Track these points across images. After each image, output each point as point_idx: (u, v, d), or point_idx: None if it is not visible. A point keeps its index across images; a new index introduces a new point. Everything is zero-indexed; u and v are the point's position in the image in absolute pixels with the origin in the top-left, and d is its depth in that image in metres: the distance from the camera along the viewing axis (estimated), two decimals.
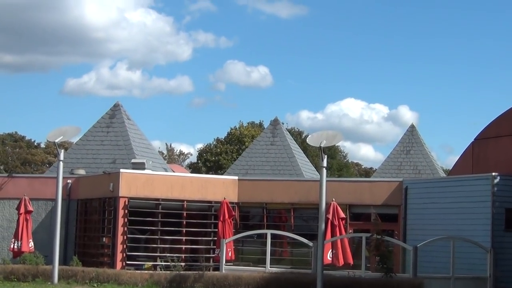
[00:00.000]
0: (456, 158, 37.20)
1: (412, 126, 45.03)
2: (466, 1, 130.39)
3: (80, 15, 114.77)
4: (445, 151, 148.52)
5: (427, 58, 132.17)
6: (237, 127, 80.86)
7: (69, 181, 31.99)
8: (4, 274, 26.45)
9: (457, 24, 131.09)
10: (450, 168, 41.78)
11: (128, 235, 29.50)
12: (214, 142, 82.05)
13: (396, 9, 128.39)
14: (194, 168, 79.16)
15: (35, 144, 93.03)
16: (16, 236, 29.09)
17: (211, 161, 77.61)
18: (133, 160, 33.31)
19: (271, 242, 27.47)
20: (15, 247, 28.99)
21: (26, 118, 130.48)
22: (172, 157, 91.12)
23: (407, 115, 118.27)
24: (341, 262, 25.77)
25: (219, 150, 78.05)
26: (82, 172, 33.64)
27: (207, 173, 62.16)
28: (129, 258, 29.35)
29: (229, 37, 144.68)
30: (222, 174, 47.65)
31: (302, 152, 45.12)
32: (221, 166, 71.38)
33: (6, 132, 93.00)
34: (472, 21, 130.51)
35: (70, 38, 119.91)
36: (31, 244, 29.03)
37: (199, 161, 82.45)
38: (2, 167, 78.78)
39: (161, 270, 27.94)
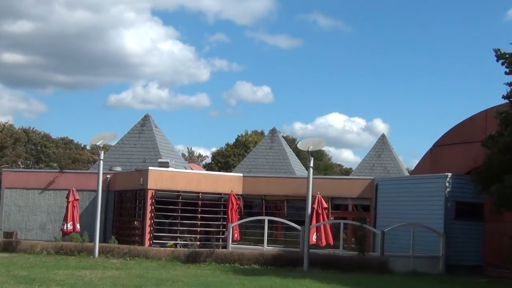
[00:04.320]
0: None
1: (383, 135, 44.98)
2: (417, 20, 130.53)
3: (120, 44, 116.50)
4: (411, 156, 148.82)
5: (398, 76, 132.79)
6: (242, 134, 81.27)
7: (108, 176, 32.05)
8: (55, 250, 26.64)
9: (419, 41, 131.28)
10: (413, 168, 41.71)
11: (155, 220, 29.58)
12: (225, 147, 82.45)
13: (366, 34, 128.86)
14: (209, 167, 79.08)
15: (82, 146, 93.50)
16: (65, 219, 29.16)
17: (221, 162, 77.91)
18: (159, 160, 33.46)
19: (268, 226, 27.60)
20: (65, 228, 29.07)
21: (76, 126, 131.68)
22: (192, 158, 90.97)
23: (380, 126, 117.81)
24: (324, 242, 25.72)
25: (228, 153, 78.46)
26: (118, 169, 33.77)
27: (218, 171, 61.92)
28: (155, 237, 29.43)
29: (239, 63, 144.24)
30: (230, 172, 47.56)
31: (295, 155, 45.01)
32: (230, 166, 71.39)
33: (60, 137, 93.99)
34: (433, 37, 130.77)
35: (112, 63, 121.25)
36: (78, 226, 29.07)
37: (212, 162, 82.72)
38: (56, 165, 79.08)
39: (180, 248, 28.04)
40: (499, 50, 22.11)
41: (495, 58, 22.33)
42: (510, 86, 21.98)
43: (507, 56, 21.63)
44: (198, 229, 30.39)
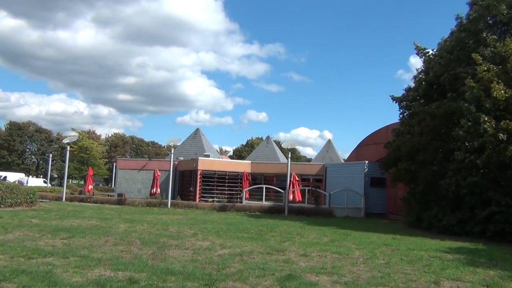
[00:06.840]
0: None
1: (329, 140, 45.10)
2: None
3: (183, 90, 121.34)
4: (345, 151, 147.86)
5: (338, 105, 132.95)
6: (251, 139, 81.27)
7: (176, 162, 31.83)
8: (146, 203, 26.47)
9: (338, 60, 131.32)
10: (346, 158, 41.55)
11: (202, 187, 29.43)
12: (241, 146, 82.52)
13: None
14: (231, 157, 78.82)
15: (162, 145, 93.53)
16: (152, 186, 29.10)
17: (238, 154, 77.77)
18: (204, 153, 33.45)
19: (265, 190, 27.50)
20: (152, 191, 29.02)
21: (158, 134, 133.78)
22: (222, 152, 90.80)
23: (328, 134, 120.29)
24: (297, 199, 25.71)
25: (242, 150, 78.45)
26: (181, 158, 33.63)
27: (237, 160, 61.61)
28: (202, 197, 29.26)
29: (249, 100, 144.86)
30: (243, 160, 47.38)
31: (280, 151, 44.88)
32: (243, 157, 71.11)
33: (150, 140, 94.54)
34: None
35: (179, 99, 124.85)
36: (159, 190, 28.99)
37: (234, 154, 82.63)
38: (147, 156, 79.07)
39: (216, 202, 27.95)
40: (393, 95, 21.82)
41: (391, 100, 21.94)
42: (400, 114, 21.90)
43: (397, 98, 21.55)
44: (226, 192, 30.22)
